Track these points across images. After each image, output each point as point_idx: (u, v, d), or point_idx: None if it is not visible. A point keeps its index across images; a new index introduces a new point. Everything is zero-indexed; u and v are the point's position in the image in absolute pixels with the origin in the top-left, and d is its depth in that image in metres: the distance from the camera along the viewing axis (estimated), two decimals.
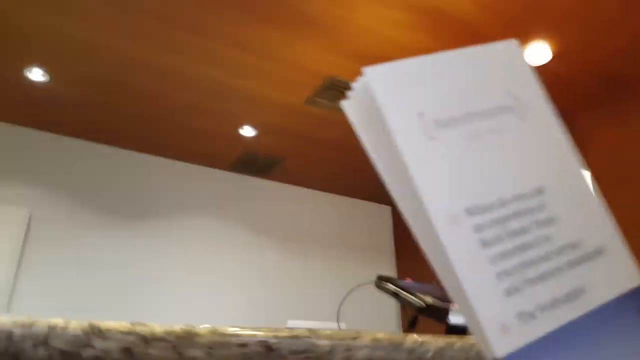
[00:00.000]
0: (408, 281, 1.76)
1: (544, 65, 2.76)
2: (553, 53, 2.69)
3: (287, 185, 4.31)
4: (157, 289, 3.30)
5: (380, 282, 1.63)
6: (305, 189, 4.40)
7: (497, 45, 0.36)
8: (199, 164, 3.92)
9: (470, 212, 0.27)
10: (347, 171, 4.28)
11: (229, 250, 3.75)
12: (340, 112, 3.37)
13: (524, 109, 0.34)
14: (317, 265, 4.11)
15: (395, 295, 1.64)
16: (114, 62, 2.77)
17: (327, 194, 4.51)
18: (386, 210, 4.83)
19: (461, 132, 0.30)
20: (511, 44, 0.36)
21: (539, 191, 0.31)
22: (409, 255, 4.47)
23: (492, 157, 0.31)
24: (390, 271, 4.51)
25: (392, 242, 4.69)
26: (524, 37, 2.60)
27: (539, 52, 2.66)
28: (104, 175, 3.46)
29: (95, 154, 3.49)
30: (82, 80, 2.91)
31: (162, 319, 3.17)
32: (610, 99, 3.05)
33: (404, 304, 1.66)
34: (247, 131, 3.56)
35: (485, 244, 0.27)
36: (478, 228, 0.27)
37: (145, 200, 3.56)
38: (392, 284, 1.67)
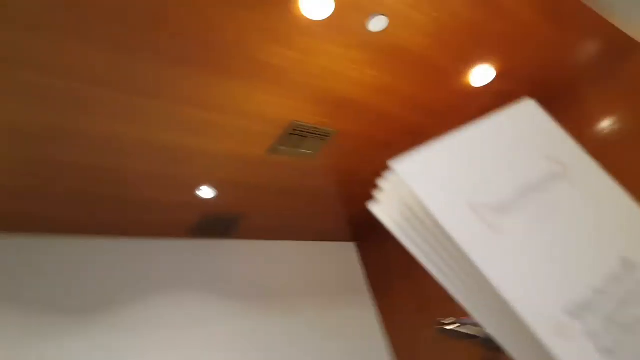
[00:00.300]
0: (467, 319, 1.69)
1: (488, 84, 2.97)
2: (496, 73, 2.91)
3: (250, 241, 4.09)
4: None
5: (458, 325, 1.55)
6: (270, 241, 4.21)
7: (515, 109, 0.34)
8: (156, 237, 3.58)
9: (572, 313, 0.23)
10: (307, 216, 4.19)
11: (205, 324, 3.41)
12: (300, 157, 3.34)
13: (569, 171, 0.31)
14: (299, 318, 3.89)
15: (474, 337, 1.55)
16: (44, 135, 2.45)
17: (291, 242, 4.36)
18: (351, 246, 4.78)
19: (521, 215, 0.27)
20: (527, 104, 0.35)
21: (629, 264, 0.27)
22: (382, 287, 4.43)
23: (563, 239, 0.27)
24: (369, 306, 4.41)
25: (363, 277, 4.62)
26: (471, 61, 2.79)
27: (484, 73, 2.87)
28: (48, 270, 3.00)
29: (34, 247, 3.02)
30: (7, 162, 2.53)
31: None
32: (545, 103, 3.36)
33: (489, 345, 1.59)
34: (206, 192, 3.34)
35: (607, 352, 0.23)
36: (591, 334, 0.23)
37: (100, 290, 3.14)
38: (470, 324, 1.59)
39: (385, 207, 0.27)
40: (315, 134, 3.06)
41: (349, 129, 3.15)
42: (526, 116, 0.33)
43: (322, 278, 4.31)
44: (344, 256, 4.64)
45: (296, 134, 3.01)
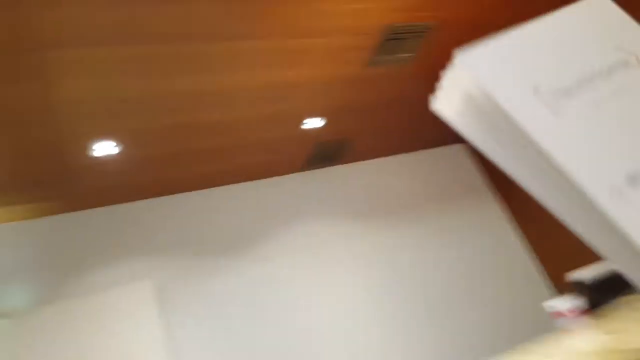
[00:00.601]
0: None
1: None
2: None
3: (362, 162, 4.10)
4: (304, 316, 3.16)
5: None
6: (381, 159, 4.18)
7: (585, 3, 0.33)
8: (275, 175, 3.74)
9: (633, 178, 0.24)
10: (413, 125, 4.04)
11: (337, 246, 3.58)
12: (400, 63, 3.15)
13: (638, 59, 0.30)
14: (425, 227, 3.91)
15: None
16: (160, 105, 2.57)
17: (401, 155, 4.29)
18: (461, 147, 4.58)
19: (584, 99, 0.27)
20: None
21: None
22: (507, 181, 4.23)
23: (629, 119, 0.27)
24: (492, 202, 4.28)
25: (481, 176, 4.45)
26: None
27: None
28: (197, 223, 3.32)
29: (180, 205, 3.34)
30: (145, 137, 2.73)
31: (331, 342, 3.07)
32: None
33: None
34: (312, 123, 3.34)
35: None
36: None
37: (240, 231, 3.41)
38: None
39: (447, 100, 0.29)
40: (412, 32, 2.82)
41: (446, 18, 2.86)
42: (597, 9, 0.32)
43: (439, 184, 4.23)
44: (456, 158, 4.47)
45: (393, 38, 2.81)
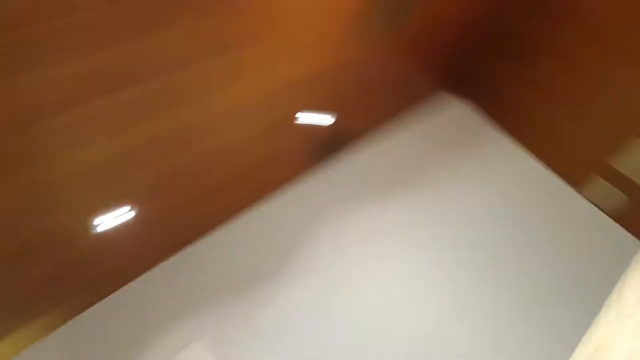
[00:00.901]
0: None
1: None
2: None
3: (371, 144, 3.89)
4: (368, 306, 2.95)
5: None
6: (381, 136, 3.99)
7: None
8: (282, 184, 3.46)
9: None
10: (396, 83, 3.83)
11: (382, 232, 3.36)
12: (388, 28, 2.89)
13: None
14: (453, 190, 3.74)
15: None
16: (159, 150, 2.20)
17: (399, 119, 4.12)
18: (448, 96, 4.45)
19: None
20: None
21: None
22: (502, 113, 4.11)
23: None
24: (504, 139, 4.16)
25: (482, 118, 4.32)
26: None
27: None
28: (230, 261, 3.02)
29: (204, 250, 3.03)
30: (155, 189, 2.37)
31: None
32: None
33: None
34: (306, 119, 3.06)
35: None
36: None
37: (279, 252, 3.13)
38: None
39: None
40: None
41: None
42: None
43: (445, 136, 4.08)
44: (449, 106, 4.35)
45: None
